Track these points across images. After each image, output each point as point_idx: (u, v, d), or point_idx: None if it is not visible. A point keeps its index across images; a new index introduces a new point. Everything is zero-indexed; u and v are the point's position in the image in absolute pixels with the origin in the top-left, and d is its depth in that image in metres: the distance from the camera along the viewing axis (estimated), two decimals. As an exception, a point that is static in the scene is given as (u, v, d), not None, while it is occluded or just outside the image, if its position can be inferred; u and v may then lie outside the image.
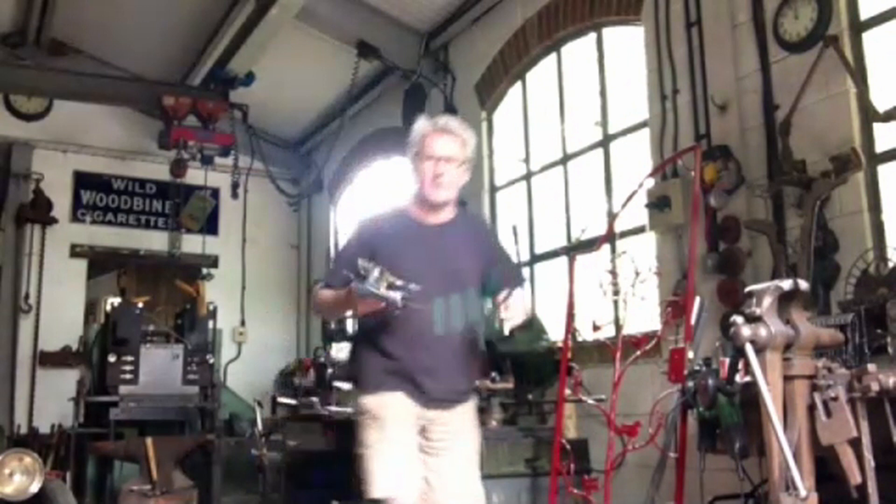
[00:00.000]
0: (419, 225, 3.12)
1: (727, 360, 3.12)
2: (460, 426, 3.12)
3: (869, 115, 4.39)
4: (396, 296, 2.68)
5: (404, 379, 2.99)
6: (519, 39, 7.05)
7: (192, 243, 10.17)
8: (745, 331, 2.57)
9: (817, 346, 2.75)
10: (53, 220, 9.60)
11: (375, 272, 2.68)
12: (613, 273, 4.15)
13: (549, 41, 6.79)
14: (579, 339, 4.62)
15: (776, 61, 4.87)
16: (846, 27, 4.57)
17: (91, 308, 9.71)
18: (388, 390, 3.00)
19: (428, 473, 3.05)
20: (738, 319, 2.61)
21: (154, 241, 10.28)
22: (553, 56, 6.89)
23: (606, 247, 4.97)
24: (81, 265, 9.84)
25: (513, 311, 2.89)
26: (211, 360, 6.94)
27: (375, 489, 2.93)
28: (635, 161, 5.86)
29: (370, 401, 3.03)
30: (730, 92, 5.08)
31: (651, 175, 5.08)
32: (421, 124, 3.15)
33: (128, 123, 10.01)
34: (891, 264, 3.83)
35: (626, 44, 6.12)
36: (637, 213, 5.47)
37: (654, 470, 4.00)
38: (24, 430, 8.33)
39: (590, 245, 5.18)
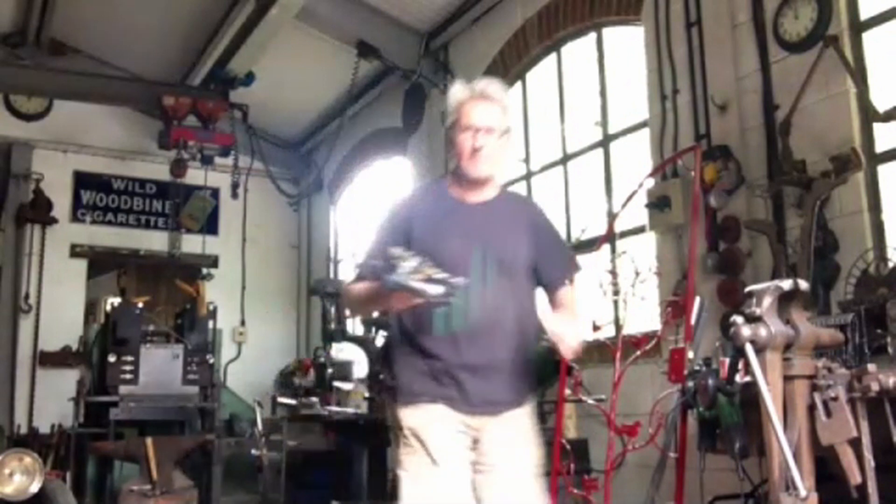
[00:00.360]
0: (459, 204, 2.73)
1: (727, 360, 3.12)
2: (513, 435, 2.67)
3: (869, 115, 4.39)
4: (436, 290, 2.30)
5: (446, 383, 2.60)
6: (519, 39, 7.05)
7: (192, 243, 10.17)
8: (745, 331, 2.56)
9: (817, 346, 2.75)
10: (53, 220, 9.60)
11: (410, 262, 2.31)
12: (613, 273, 4.16)
13: (549, 41, 6.79)
14: (579, 339, 4.61)
15: (776, 61, 4.87)
16: (846, 27, 4.57)
17: (91, 308, 9.71)
18: (428, 400, 2.60)
19: (478, 494, 2.62)
20: (738, 319, 2.61)
21: (154, 241, 10.28)
22: (553, 56, 6.89)
23: (606, 247, 4.98)
24: (81, 265, 9.84)
25: (567, 338, 2.52)
26: (211, 360, 6.93)
27: None
28: (635, 161, 5.86)
29: (408, 415, 2.61)
30: (730, 92, 5.08)
31: (651, 175, 5.08)
32: (456, 90, 2.75)
33: (128, 123, 10.01)
34: (891, 264, 3.83)
35: (626, 44, 6.12)
36: (637, 213, 5.47)
37: (654, 470, 4.00)
38: (24, 430, 8.33)
39: (590, 245, 5.18)
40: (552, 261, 2.78)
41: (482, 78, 2.74)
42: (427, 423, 2.58)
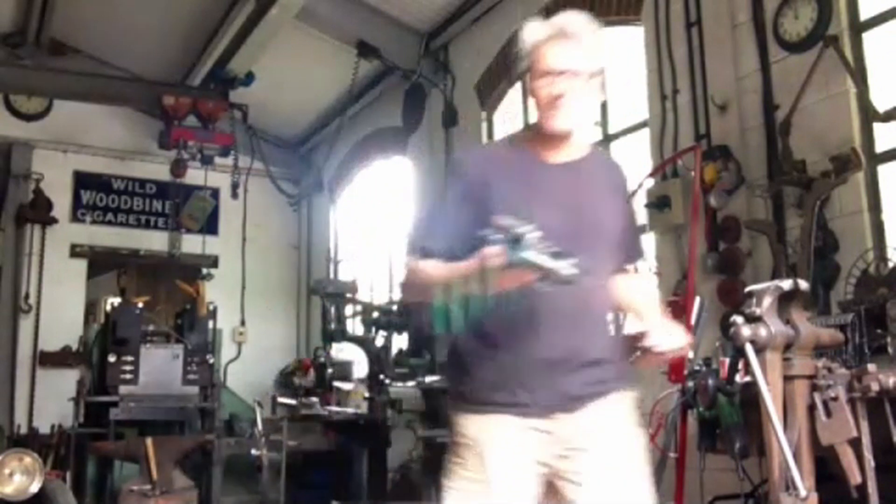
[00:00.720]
0: (544, 166, 2.28)
1: (727, 360, 3.12)
2: (610, 431, 2.21)
3: (869, 115, 4.39)
4: (568, 268, 1.89)
5: (522, 385, 2.18)
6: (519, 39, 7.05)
7: (192, 243, 10.17)
8: (745, 331, 2.57)
9: (817, 346, 2.75)
10: (53, 220, 9.60)
11: (532, 234, 1.89)
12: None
13: (549, 41, 6.79)
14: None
15: (776, 61, 4.87)
16: (846, 27, 4.57)
17: (91, 308, 9.71)
18: (497, 410, 2.19)
19: None
20: (738, 319, 2.61)
21: (154, 241, 10.28)
22: (553, 56, 6.88)
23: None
24: (81, 265, 9.84)
25: (663, 342, 2.15)
26: (211, 360, 6.94)
27: None
28: (635, 161, 5.86)
29: (470, 422, 2.22)
30: (730, 92, 5.08)
31: (651, 175, 5.08)
32: (532, 29, 2.30)
33: (128, 123, 10.01)
34: (891, 264, 3.83)
35: (626, 44, 6.12)
36: (637, 213, 5.47)
37: (654, 470, 4.00)
38: (24, 430, 8.32)
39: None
40: (629, 234, 2.39)
41: (563, 11, 2.32)
42: (491, 436, 2.19)
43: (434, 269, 2.16)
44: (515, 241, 1.90)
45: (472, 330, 2.15)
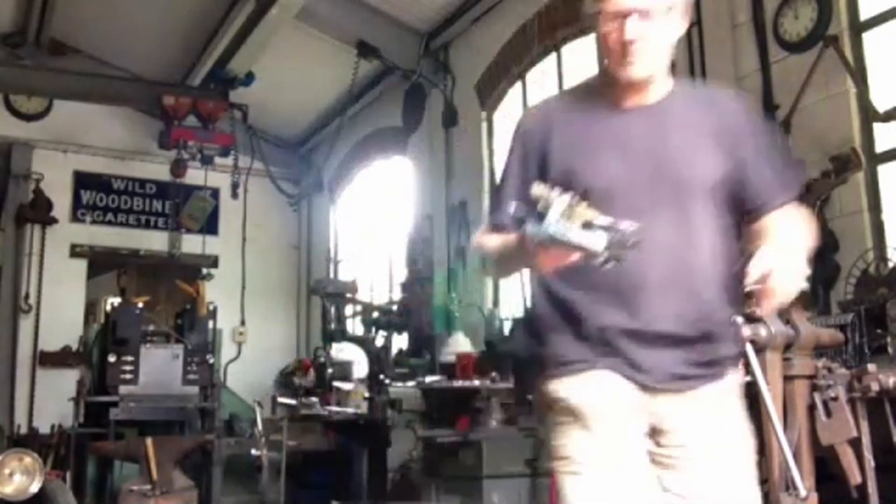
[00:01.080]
0: (615, 111, 1.99)
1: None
2: (710, 416, 1.97)
3: (869, 115, 4.39)
4: (600, 242, 1.63)
5: (612, 349, 1.93)
6: (519, 39, 7.05)
7: (192, 243, 10.17)
8: (745, 331, 2.56)
9: (817, 346, 2.75)
10: (53, 220, 9.60)
11: (560, 203, 1.65)
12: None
13: (549, 41, 6.79)
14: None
15: (776, 61, 4.87)
16: (846, 27, 4.57)
17: (91, 308, 9.71)
18: (590, 367, 1.94)
19: (666, 496, 1.96)
20: (738, 319, 2.61)
21: (154, 241, 10.28)
22: (553, 56, 6.89)
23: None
24: (81, 265, 9.84)
25: (771, 285, 1.79)
26: (211, 360, 6.93)
27: None
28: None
29: (563, 387, 1.96)
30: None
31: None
32: None
33: (128, 123, 10.00)
34: (891, 264, 3.83)
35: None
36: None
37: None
38: (24, 430, 8.33)
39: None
40: (757, 175, 2.01)
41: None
42: (588, 390, 1.93)
43: (492, 245, 2.02)
44: (542, 216, 1.66)
45: (549, 300, 1.98)
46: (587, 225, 1.64)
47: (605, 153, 1.95)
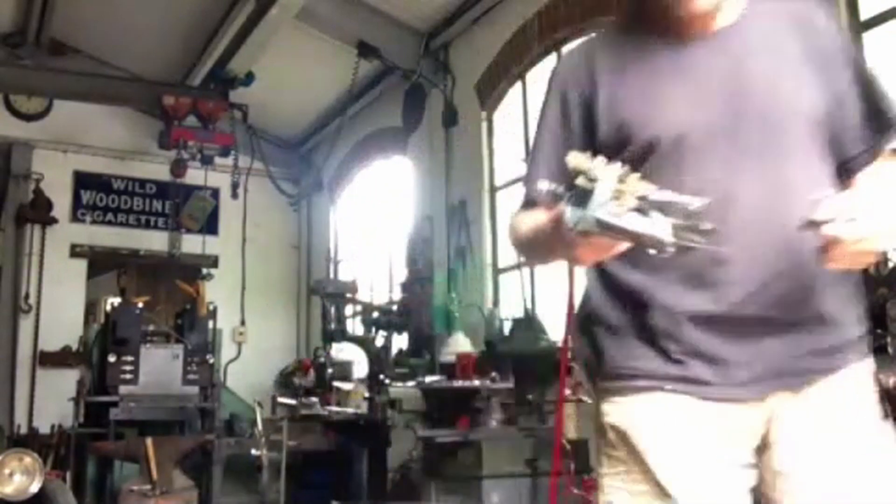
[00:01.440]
0: (679, 42, 1.56)
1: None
2: (832, 420, 1.51)
3: (869, 115, 4.38)
4: (660, 227, 1.23)
5: (688, 348, 1.49)
6: (519, 39, 7.05)
7: (192, 243, 10.17)
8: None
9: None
10: (53, 220, 9.60)
11: (608, 177, 1.25)
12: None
13: (549, 41, 6.79)
14: (579, 339, 4.60)
15: (776, 61, 4.86)
16: (846, 27, 4.56)
17: (91, 308, 9.70)
18: (650, 384, 1.50)
19: None
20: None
21: (154, 241, 10.28)
22: (553, 56, 6.89)
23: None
24: (81, 265, 9.84)
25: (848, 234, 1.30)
26: (211, 360, 6.93)
27: None
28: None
29: (614, 407, 1.55)
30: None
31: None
32: None
33: (128, 123, 10.01)
34: (891, 264, 3.83)
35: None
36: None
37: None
38: (24, 430, 8.33)
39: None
40: (854, 116, 1.58)
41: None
42: (649, 422, 1.51)
43: (526, 227, 1.57)
44: (582, 195, 1.26)
45: (605, 286, 1.58)
46: (642, 205, 1.24)
47: (671, 94, 1.53)
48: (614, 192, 1.24)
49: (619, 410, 1.54)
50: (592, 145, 1.48)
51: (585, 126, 1.59)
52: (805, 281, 1.49)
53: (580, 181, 1.27)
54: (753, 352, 1.49)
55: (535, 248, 1.62)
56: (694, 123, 1.50)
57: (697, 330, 1.49)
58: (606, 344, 1.57)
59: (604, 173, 1.25)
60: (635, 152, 1.45)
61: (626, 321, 1.55)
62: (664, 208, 1.24)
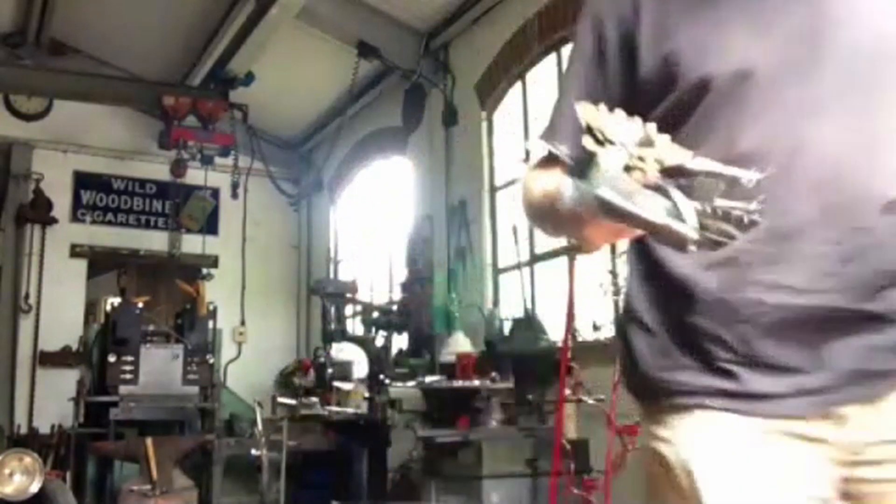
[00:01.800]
0: None
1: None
2: None
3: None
4: (685, 210, 0.92)
5: (738, 361, 1.17)
6: (519, 39, 7.05)
7: (192, 243, 10.17)
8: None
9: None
10: (53, 220, 9.60)
11: (622, 139, 0.95)
12: (613, 273, 4.16)
13: (549, 41, 6.79)
14: (579, 339, 4.62)
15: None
16: (846, 27, 4.56)
17: (91, 308, 9.69)
18: (700, 403, 1.19)
19: None
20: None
21: (154, 241, 10.29)
22: (553, 56, 6.89)
23: (606, 247, 4.97)
24: (81, 265, 9.85)
25: None
26: (211, 360, 6.94)
27: None
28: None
29: (661, 432, 1.24)
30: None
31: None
32: None
33: (128, 123, 10.01)
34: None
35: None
36: None
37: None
38: (24, 430, 8.33)
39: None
40: None
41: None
42: (704, 448, 1.18)
43: (536, 189, 1.28)
44: (588, 162, 0.97)
45: (647, 275, 1.27)
46: (664, 182, 0.92)
47: (730, 19, 1.18)
48: (631, 159, 0.93)
49: (667, 434, 1.23)
50: (634, 86, 1.21)
51: (625, 61, 1.25)
52: (892, 263, 1.15)
53: (587, 142, 0.96)
54: (822, 354, 1.16)
55: (545, 218, 1.30)
56: (759, 56, 1.15)
57: (753, 325, 1.16)
58: (645, 350, 1.26)
59: (619, 133, 0.93)
60: (684, 93, 1.16)
61: (666, 321, 1.24)
62: (699, 185, 0.92)
